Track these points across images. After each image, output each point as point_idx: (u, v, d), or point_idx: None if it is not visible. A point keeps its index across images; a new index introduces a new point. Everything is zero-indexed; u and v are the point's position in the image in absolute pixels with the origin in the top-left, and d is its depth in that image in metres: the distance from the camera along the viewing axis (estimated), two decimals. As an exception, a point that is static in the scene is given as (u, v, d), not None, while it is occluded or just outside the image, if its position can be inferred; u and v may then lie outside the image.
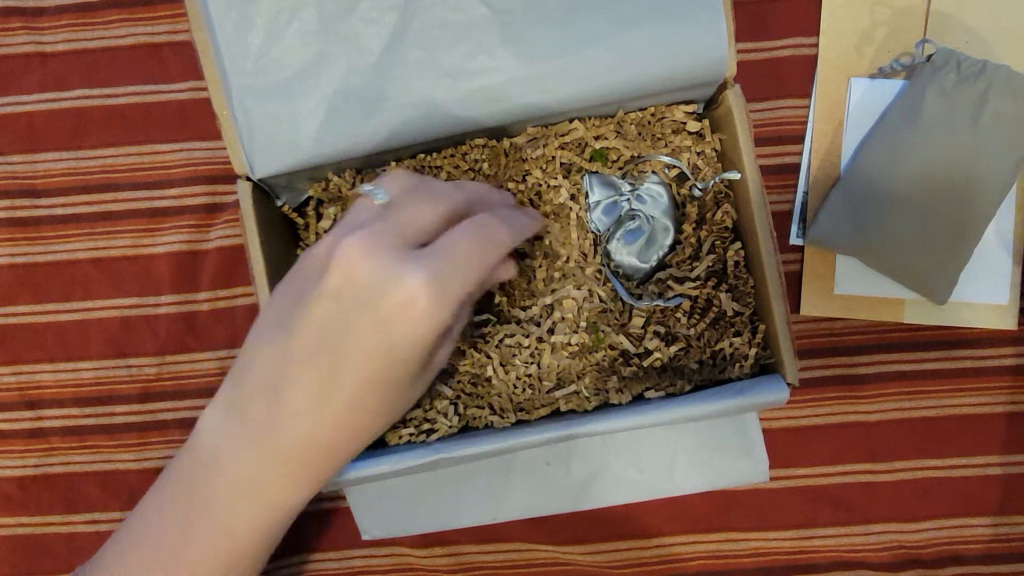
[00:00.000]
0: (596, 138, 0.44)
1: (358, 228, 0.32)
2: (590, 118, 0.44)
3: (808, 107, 0.50)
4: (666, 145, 0.44)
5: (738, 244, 0.44)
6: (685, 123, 0.44)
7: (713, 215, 0.44)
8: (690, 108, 0.44)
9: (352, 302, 0.31)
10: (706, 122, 0.44)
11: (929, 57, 0.47)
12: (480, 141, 0.44)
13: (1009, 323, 0.49)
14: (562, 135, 0.44)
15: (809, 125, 0.50)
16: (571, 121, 0.44)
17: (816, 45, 0.50)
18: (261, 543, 0.35)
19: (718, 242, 0.44)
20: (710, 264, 0.43)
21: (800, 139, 0.51)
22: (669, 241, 0.44)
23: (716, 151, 0.44)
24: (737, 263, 0.44)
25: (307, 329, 0.32)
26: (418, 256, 0.32)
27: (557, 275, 0.43)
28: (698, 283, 0.43)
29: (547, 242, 0.43)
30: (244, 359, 0.34)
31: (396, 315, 0.31)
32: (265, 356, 0.33)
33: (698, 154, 0.44)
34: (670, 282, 0.43)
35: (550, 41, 0.40)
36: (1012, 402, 0.49)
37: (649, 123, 0.44)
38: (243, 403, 0.34)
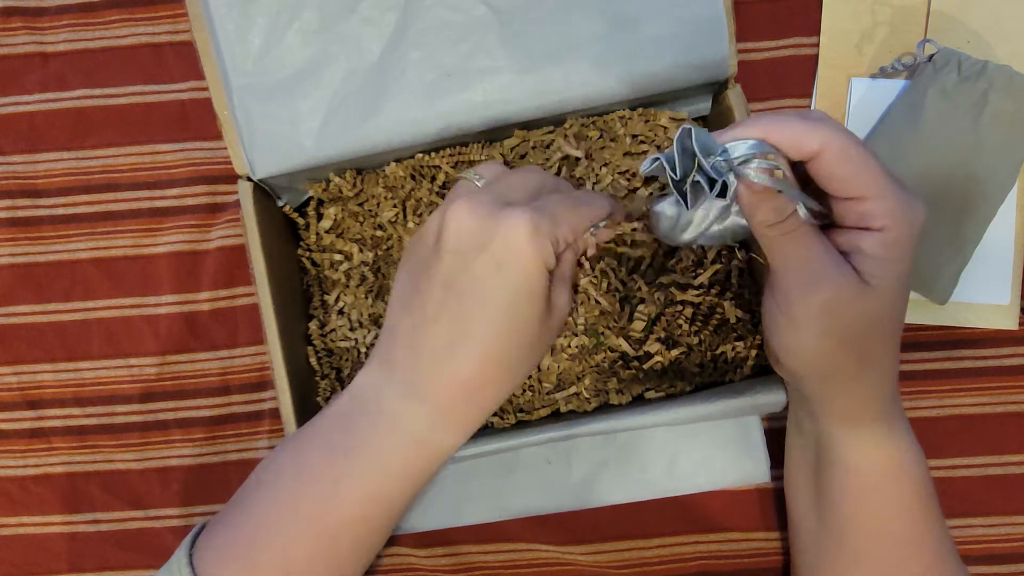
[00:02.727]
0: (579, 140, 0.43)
1: (461, 196, 0.36)
2: (565, 123, 0.44)
3: (809, 107, 0.50)
4: (659, 149, 0.44)
5: (743, 252, 0.43)
6: (667, 128, 0.44)
7: None
8: (677, 114, 0.44)
9: (467, 251, 0.35)
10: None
11: (930, 57, 0.47)
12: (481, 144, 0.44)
13: (1010, 323, 0.49)
14: (546, 146, 0.43)
15: (810, 125, 0.50)
16: (554, 128, 0.43)
17: (817, 45, 0.50)
18: (409, 483, 0.37)
19: (724, 251, 0.43)
20: (714, 272, 0.43)
21: (801, 139, 0.50)
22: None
23: None
24: (742, 271, 0.44)
25: (434, 284, 0.36)
26: (515, 204, 0.36)
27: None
28: (701, 290, 0.43)
29: None
30: (387, 328, 0.38)
31: (503, 250, 0.34)
32: (406, 321, 0.37)
33: None
34: (673, 288, 0.43)
35: (550, 41, 0.40)
36: (1013, 402, 0.49)
37: (631, 120, 0.44)
38: (391, 359, 0.37)
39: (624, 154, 0.43)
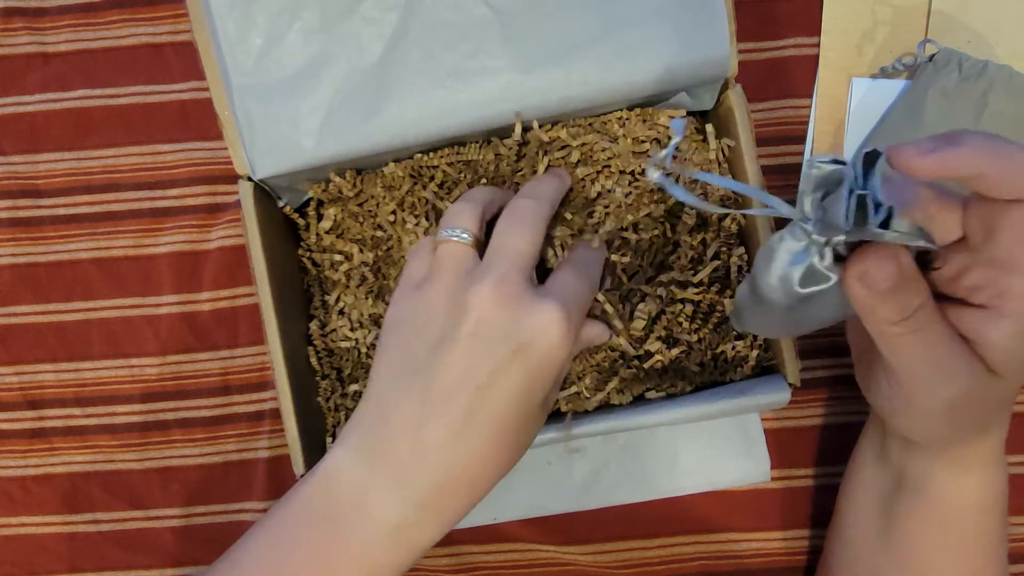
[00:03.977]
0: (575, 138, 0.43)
1: (477, 275, 0.35)
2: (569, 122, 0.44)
3: (809, 107, 0.50)
4: (659, 144, 0.44)
5: (741, 249, 0.43)
6: (667, 127, 0.43)
7: (721, 220, 0.44)
8: (676, 113, 0.44)
9: (491, 338, 0.33)
10: (710, 127, 0.44)
11: (931, 57, 0.47)
12: (483, 143, 0.44)
13: (1011, 323, 0.49)
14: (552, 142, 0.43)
15: (810, 125, 0.50)
16: (552, 126, 0.43)
17: (817, 45, 0.50)
18: None
19: (723, 248, 0.43)
20: (713, 269, 0.43)
21: (801, 139, 0.50)
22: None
23: (723, 157, 0.44)
24: (740, 268, 0.44)
25: (447, 369, 0.34)
26: (544, 292, 0.35)
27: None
28: (701, 288, 0.43)
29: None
30: (374, 407, 0.35)
31: (532, 343, 0.33)
32: (404, 403, 0.34)
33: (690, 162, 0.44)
34: (672, 286, 0.43)
35: (551, 41, 0.40)
36: (1014, 402, 0.49)
37: (629, 121, 0.44)
38: (383, 447, 0.34)
39: (632, 155, 0.43)
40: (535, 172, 0.43)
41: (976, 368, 0.29)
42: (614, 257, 0.43)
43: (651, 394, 0.43)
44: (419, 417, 0.34)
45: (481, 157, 0.44)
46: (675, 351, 0.42)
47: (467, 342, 0.34)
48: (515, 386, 0.33)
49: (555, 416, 0.44)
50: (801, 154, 0.50)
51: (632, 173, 0.43)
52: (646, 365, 0.43)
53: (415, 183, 0.44)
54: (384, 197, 0.44)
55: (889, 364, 0.31)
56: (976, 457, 0.37)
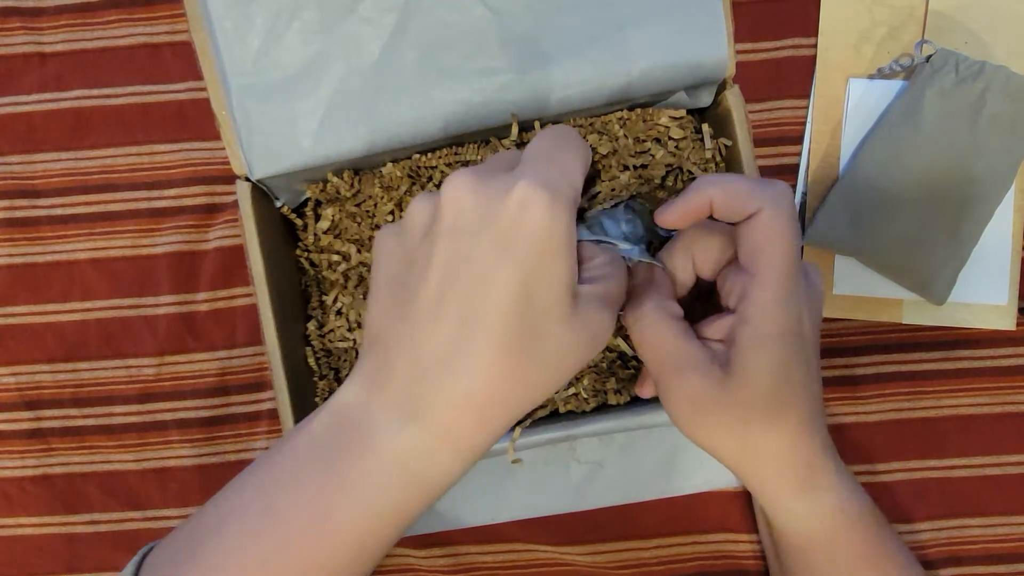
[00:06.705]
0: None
1: (458, 172, 0.31)
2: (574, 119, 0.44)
3: (807, 108, 0.50)
4: (659, 143, 0.44)
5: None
6: (668, 127, 0.44)
7: None
8: (677, 113, 0.44)
9: (468, 230, 0.29)
10: (706, 126, 0.44)
11: (928, 58, 0.47)
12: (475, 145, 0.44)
13: (1008, 323, 0.49)
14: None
15: (808, 126, 0.50)
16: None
17: (815, 46, 0.50)
18: (402, 522, 0.31)
19: None
20: None
21: (799, 139, 0.51)
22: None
23: (720, 156, 0.44)
24: None
25: (430, 277, 0.30)
26: (514, 170, 0.31)
27: None
28: None
29: None
30: (371, 338, 0.32)
31: (515, 225, 0.29)
32: (397, 325, 0.31)
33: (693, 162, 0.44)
34: None
35: (549, 42, 0.40)
36: (1011, 402, 0.49)
37: (630, 120, 0.44)
38: (384, 371, 0.31)
39: (630, 155, 0.43)
40: None
41: (704, 366, 0.33)
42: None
43: (649, 394, 0.43)
44: (412, 335, 0.30)
45: (479, 157, 0.44)
46: (673, 351, 0.42)
47: (444, 240, 0.30)
48: (508, 282, 0.28)
49: (553, 417, 0.44)
50: (799, 154, 0.50)
51: (633, 167, 0.43)
52: (643, 365, 0.43)
53: (413, 183, 0.44)
54: (382, 197, 0.44)
55: (643, 359, 0.35)
56: (788, 492, 0.36)
